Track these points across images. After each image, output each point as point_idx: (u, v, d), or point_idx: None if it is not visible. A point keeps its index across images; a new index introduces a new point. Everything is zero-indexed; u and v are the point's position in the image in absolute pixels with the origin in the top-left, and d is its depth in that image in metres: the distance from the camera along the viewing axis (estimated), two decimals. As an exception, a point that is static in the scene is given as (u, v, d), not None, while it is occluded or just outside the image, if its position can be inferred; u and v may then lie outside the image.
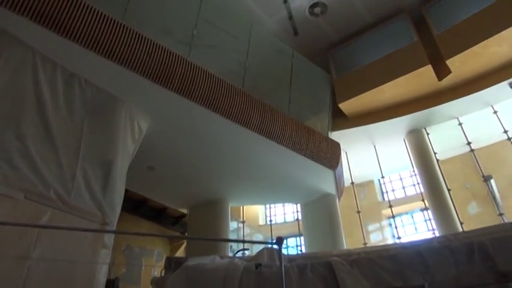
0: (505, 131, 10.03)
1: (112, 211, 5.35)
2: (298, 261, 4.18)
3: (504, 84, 9.57)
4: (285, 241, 12.72)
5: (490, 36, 9.09)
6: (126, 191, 6.23)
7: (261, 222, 14.02)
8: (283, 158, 8.40)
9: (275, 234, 11.62)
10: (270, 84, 9.07)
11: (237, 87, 7.51)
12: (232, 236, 11.17)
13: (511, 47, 9.21)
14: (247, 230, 12.42)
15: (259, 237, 13.42)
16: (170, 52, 6.46)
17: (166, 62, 6.36)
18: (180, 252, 12.31)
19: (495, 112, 10.27)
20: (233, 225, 11.88)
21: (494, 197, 10.15)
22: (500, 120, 10.14)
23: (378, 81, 10.34)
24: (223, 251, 9.02)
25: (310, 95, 10.41)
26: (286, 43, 10.24)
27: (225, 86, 7.23)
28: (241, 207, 11.85)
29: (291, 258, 4.48)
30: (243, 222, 11.70)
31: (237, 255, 9.38)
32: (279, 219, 14.24)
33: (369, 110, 10.76)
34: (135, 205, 11.22)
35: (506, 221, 9.29)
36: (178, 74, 6.49)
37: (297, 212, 12.94)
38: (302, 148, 8.53)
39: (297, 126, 8.57)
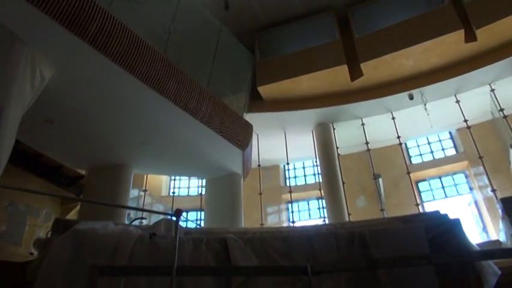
0: (398, 137, 11.16)
1: (-5, 161, 4.79)
2: (194, 235, 4.21)
3: (404, 94, 10.61)
4: (184, 214, 12.72)
5: (401, 49, 9.99)
6: (17, 142, 5.60)
7: (164, 193, 13.81)
8: (195, 132, 8.29)
9: (176, 207, 11.53)
10: (192, 55, 8.82)
11: (157, 51, 7.15)
12: (131, 204, 10.81)
13: (416, 62, 10.21)
14: (148, 200, 12.13)
15: (159, 207, 13.20)
16: (89, -2, 5.88)
17: (83, 8, 5.77)
18: (72, 215, 11.55)
19: (393, 118, 11.34)
20: (134, 193, 11.49)
21: (379, 194, 11.30)
22: (396, 127, 11.24)
23: (298, 71, 10.73)
24: (120, 219, 8.68)
25: (232, 73, 10.39)
26: (216, 17, 10.03)
27: (145, 47, 6.83)
28: (145, 176, 11.50)
29: (188, 231, 4.49)
30: (145, 191, 11.39)
31: (134, 223, 9.12)
32: (183, 192, 14.17)
33: (285, 97, 11.12)
34: (27, 159, 10.19)
35: (385, 215, 10.41)
36: (95, 25, 5.94)
37: (201, 187, 12.97)
38: (215, 124, 8.51)
39: (214, 102, 8.50)
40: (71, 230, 3.85)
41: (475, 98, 10.78)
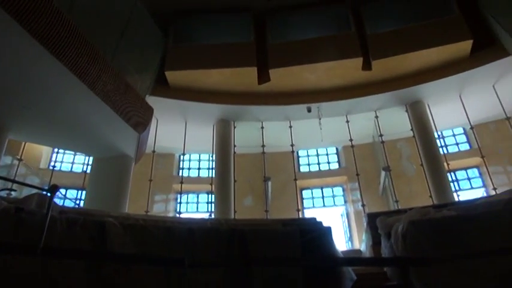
0: (292, 145, 11.84)
1: None
2: (70, 215, 3.92)
3: (304, 106, 11.31)
4: (62, 191, 11.72)
5: (308, 63, 10.62)
6: None
7: (43, 165, 12.52)
8: (90, 105, 7.67)
9: (55, 182, 10.57)
10: (100, 24, 8.18)
11: (60, 10, 6.45)
12: (1, 173, 9.59)
13: (319, 78, 10.96)
14: (22, 170, 10.89)
15: (35, 180, 11.92)
16: None
17: None
18: None
19: (290, 127, 12.00)
20: (6, 160, 10.20)
21: (266, 196, 11.83)
22: (291, 135, 11.92)
23: (209, 64, 10.71)
24: (-17, 186, 7.63)
25: (140, 52, 9.91)
26: (133, -12, 9.46)
27: (45, 1, 6.10)
28: (23, 143, 10.29)
29: (63, 210, 4.16)
30: (20, 159, 10.20)
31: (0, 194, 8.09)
32: (65, 167, 13.02)
33: (191, 87, 10.97)
34: None
35: (268, 217, 10.95)
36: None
37: (87, 164, 12.12)
38: (114, 102, 8.01)
39: (116, 78, 8.00)
40: None
41: (361, 121, 11.98)
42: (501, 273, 3.48)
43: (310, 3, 11.36)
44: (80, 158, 12.96)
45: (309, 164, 14.00)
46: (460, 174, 12.43)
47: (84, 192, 10.45)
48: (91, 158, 10.12)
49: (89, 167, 10.10)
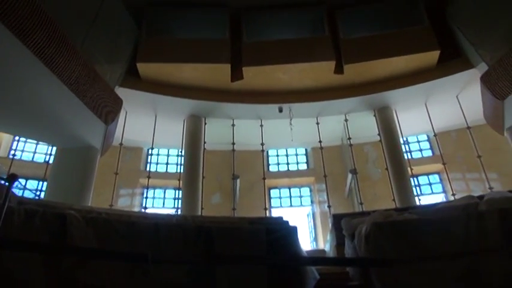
0: (262, 144, 11.89)
1: None
2: (29, 206, 3.76)
3: (275, 106, 11.37)
4: (22, 181, 11.25)
5: (281, 64, 10.69)
6: None
7: (2, 153, 11.98)
8: (55, 93, 7.38)
9: (14, 171, 10.12)
10: (71, 10, 7.89)
11: (27, -8, 6.17)
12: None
13: (291, 79, 11.05)
14: (-22, 157, 10.39)
15: (-8, 169, 11.39)
16: None
17: None
18: None
19: (261, 126, 12.04)
20: (-40, 146, 9.71)
21: (235, 194, 11.81)
22: (262, 134, 11.95)
23: (182, 58, 10.56)
24: None
25: (111, 41, 9.63)
26: (107, -25, 9.19)
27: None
28: (-19, 129, 9.82)
29: (22, 201, 3.99)
30: (-24, 146, 9.73)
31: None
32: (26, 156, 12.48)
33: (163, 81, 10.79)
34: None
35: (236, 215, 10.95)
36: None
37: (50, 154, 11.69)
38: (81, 91, 7.75)
39: (85, 67, 7.74)
40: None
41: (331, 123, 12.18)
42: (457, 274, 3.63)
43: (287, 4, 11.42)
44: (43, 147, 12.48)
45: (278, 164, 14.10)
46: (422, 180, 12.90)
47: (45, 183, 10.06)
48: (54, 148, 9.75)
49: (52, 157, 9.71)
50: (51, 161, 9.69)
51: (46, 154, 12.19)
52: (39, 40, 6.40)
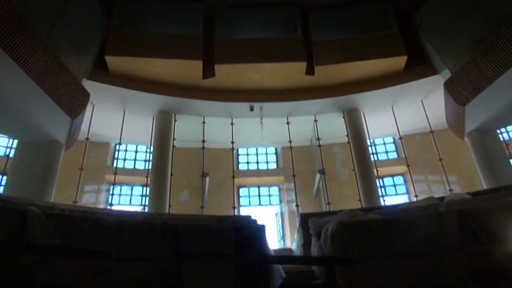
0: (232, 142, 11.86)
1: None
2: (-14, 201, 3.59)
3: (246, 105, 11.38)
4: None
5: (253, 63, 10.71)
6: None
7: (-43, 145, 11.39)
8: (17, 84, 7.08)
9: (-30, 164, 9.62)
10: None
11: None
12: None
13: (263, 79, 11.08)
14: None
15: None
16: None
17: None
18: None
19: (232, 124, 12.01)
20: None
21: (203, 192, 11.73)
22: (232, 132, 11.93)
23: (153, 53, 10.36)
24: None
25: (79, 31, 9.33)
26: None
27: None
28: None
29: (-22, 196, 3.81)
30: None
31: None
32: (-17, 149, 11.91)
33: (133, 75, 10.55)
34: None
35: (204, 213, 10.88)
36: None
37: (11, 148, 11.23)
38: (46, 83, 7.47)
39: (50, 57, 7.47)
40: None
41: (301, 124, 12.30)
42: (417, 273, 3.76)
43: (261, 2, 11.43)
44: (3, 140, 11.93)
45: (247, 163, 14.13)
46: (387, 181, 13.30)
47: (5, 177, 9.63)
48: (16, 141, 9.35)
49: (13, 151, 9.31)
50: (11, 155, 9.29)
51: (6, 147, 11.69)
52: (1, 28, 6.12)
